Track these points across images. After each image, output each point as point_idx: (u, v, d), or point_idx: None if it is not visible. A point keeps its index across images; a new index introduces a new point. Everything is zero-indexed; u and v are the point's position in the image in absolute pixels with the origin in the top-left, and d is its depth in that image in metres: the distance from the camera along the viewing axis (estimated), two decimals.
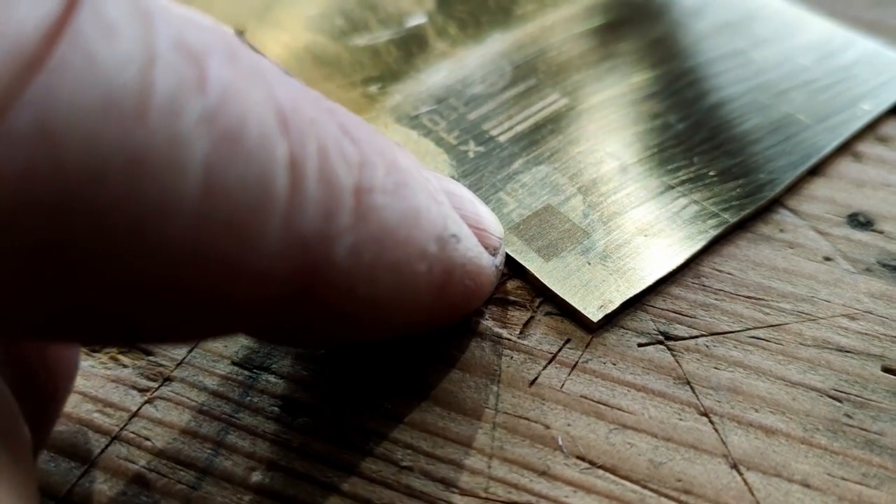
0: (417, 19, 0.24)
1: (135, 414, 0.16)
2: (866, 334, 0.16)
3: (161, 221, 0.09)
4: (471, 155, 0.20)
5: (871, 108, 0.21)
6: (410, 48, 0.23)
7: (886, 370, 0.16)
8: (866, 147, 0.21)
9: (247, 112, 0.10)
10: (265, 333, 0.13)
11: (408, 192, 0.12)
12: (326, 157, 0.11)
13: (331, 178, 0.11)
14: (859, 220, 0.19)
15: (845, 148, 0.20)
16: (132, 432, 0.15)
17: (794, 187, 0.19)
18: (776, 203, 0.19)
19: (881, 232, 0.18)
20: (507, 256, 0.18)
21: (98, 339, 0.11)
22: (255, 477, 0.15)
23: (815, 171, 0.20)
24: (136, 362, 0.16)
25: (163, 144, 0.09)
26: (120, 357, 0.17)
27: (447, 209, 0.14)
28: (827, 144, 0.20)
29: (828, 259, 0.18)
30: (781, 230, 0.19)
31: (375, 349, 0.16)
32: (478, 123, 0.21)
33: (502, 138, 0.20)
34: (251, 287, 0.10)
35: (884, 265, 0.18)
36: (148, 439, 0.15)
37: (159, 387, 0.16)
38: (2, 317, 0.09)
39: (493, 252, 0.15)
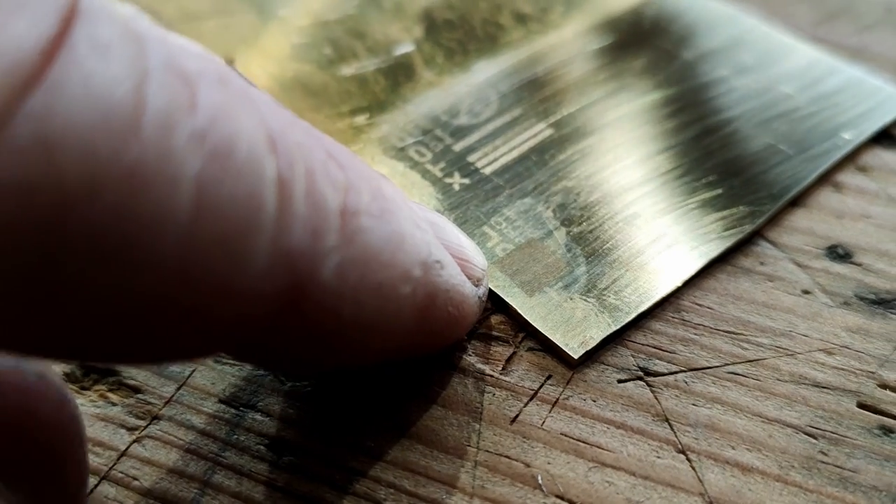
0: (405, 48, 0.24)
1: (123, 453, 0.16)
2: (842, 369, 0.17)
3: (154, 237, 0.09)
4: (456, 188, 0.20)
5: (851, 138, 0.21)
6: (398, 77, 0.23)
7: (861, 406, 0.16)
8: (846, 177, 0.21)
9: (237, 132, 0.10)
10: (248, 353, 0.13)
11: (392, 218, 0.13)
12: (314, 178, 0.11)
13: (318, 199, 0.11)
14: (838, 252, 0.19)
15: (826, 178, 0.21)
16: (121, 472, 0.16)
17: (774, 218, 0.20)
18: (756, 235, 0.19)
19: (859, 264, 0.19)
20: (491, 291, 0.18)
21: (75, 357, 0.11)
22: None
23: (796, 201, 0.20)
24: (124, 400, 0.17)
25: (156, 160, 0.09)
26: (109, 395, 0.17)
27: (431, 237, 0.14)
28: (808, 175, 0.20)
29: (806, 292, 0.18)
30: (761, 263, 0.19)
31: (359, 385, 0.17)
32: (463, 155, 0.21)
33: (487, 170, 0.21)
34: (238, 306, 0.11)
35: (861, 298, 0.18)
36: (136, 479, 0.16)
37: (147, 425, 0.16)
38: None
39: (477, 283, 0.16)
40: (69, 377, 0.17)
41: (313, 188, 0.11)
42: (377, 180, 0.13)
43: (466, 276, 0.15)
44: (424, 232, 0.14)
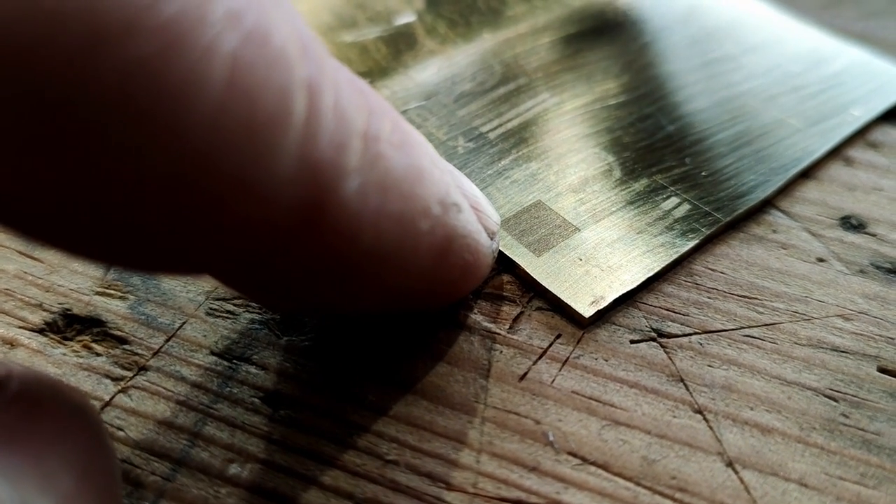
0: (406, 18, 0.24)
1: (107, 403, 0.15)
2: (861, 335, 0.16)
3: (182, 104, 0.09)
4: (460, 151, 0.19)
5: (861, 114, 0.21)
6: (399, 46, 0.23)
7: (882, 370, 0.16)
8: (857, 152, 0.20)
9: (272, 25, 0.10)
10: (255, 278, 0.12)
11: (412, 151, 0.12)
12: (340, 94, 0.11)
13: (343, 116, 0.11)
14: (852, 223, 0.19)
15: (836, 153, 0.20)
16: (104, 422, 0.15)
17: (785, 190, 0.19)
18: (768, 205, 0.19)
19: (874, 234, 0.18)
20: (498, 251, 0.17)
21: (84, 244, 0.10)
22: (233, 469, 0.14)
23: (807, 174, 0.20)
24: (109, 351, 0.16)
25: (192, 22, 0.09)
26: (93, 346, 0.16)
27: (449, 178, 0.14)
28: (818, 148, 0.20)
29: (821, 260, 0.18)
30: (774, 231, 0.18)
31: (360, 341, 0.16)
32: (467, 120, 0.20)
33: (492, 135, 0.20)
34: (257, 207, 0.10)
35: (877, 267, 0.18)
36: (121, 429, 0.15)
37: (134, 376, 0.15)
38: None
39: (491, 236, 0.15)
40: (51, 327, 0.16)
41: (339, 103, 0.11)
42: (397, 114, 0.13)
43: (482, 225, 0.15)
44: (443, 172, 0.14)
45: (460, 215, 0.14)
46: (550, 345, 0.16)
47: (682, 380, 0.15)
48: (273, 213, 0.10)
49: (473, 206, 0.15)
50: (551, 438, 0.14)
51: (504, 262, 0.17)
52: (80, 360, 0.16)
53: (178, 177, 0.09)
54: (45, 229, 0.10)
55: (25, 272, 0.17)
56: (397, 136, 0.12)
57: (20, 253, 0.17)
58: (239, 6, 0.09)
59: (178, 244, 0.10)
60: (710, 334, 0.16)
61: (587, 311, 0.16)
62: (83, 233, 0.10)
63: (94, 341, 0.16)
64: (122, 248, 0.10)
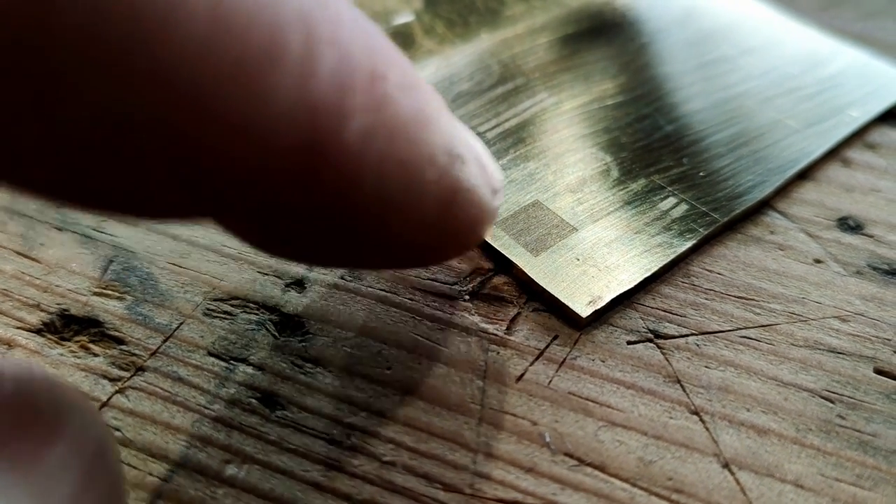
0: (404, 18, 0.24)
1: (105, 404, 0.15)
2: (858, 336, 0.16)
3: (162, 38, 0.08)
4: None
5: (859, 115, 0.21)
6: (397, 45, 0.23)
7: (879, 372, 0.16)
8: (855, 153, 0.20)
9: None
10: (258, 223, 0.12)
11: (420, 96, 0.12)
12: (341, 30, 0.10)
13: (346, 53, 0.10)
14: (849, 224, 0.19)
15: (834, 154, 0.20)
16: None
17: (783, 191, 0.19)
18: (766, 206, 0.19)
19: (871, 236, 0.18)
20: (494, 251, 0.17)
21: (61, 194, 0.10)
22: (230, 470, 0.14)
23: (805, 175, 0.20)
24: (107, 351, 0.16)
25: None
26: (91, 346, 0.16)
27: (456, 129, 0.13)
28: (816, 149, 0.20)
29: (818, 261, 0.18)
30: (771, 232, 0.18)
31: (357, 341, 0.16)
32: (465, 120, 0.20)
33: (490, 135, 0.20)
34: (253, 152, 0.10)
35: (874, 268, 0.18)
36: (118, 430, 0.15)
37: (131, 377, 0.15)
38: None
39: (494, 192, 0.15)
40: (48, 327, 0.16)
41: (341, 39, 0.10)
42: (404, 58, 0.12)
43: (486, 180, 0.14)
44: (449, 121, 0.13)
45: (465, 167, 0.13)
46: (547, 346, 0.16)
47: (678, 381, 0.15)
48: (272, 157, 0.10)
49: (477, 161, 0.14)
50: (548, 439, 0.14)
51: (501, 262, 0.17)
52: (78, 361, 0.16)
53: (164, 123, 0.09)
54: (41, 182, 0.09)
55: (23, 272, 0.17)
56: (406, 80, 0.11)
57: (18, 253, 0.17)
58: None
59: (175, 191, 0.10)
60: (706, 335, 0.16)
61: (584, 310, 0.16)
62: (74, 182, 0.09)
63: (92, 342, 0.16)
64: (117, 195, 0.10)
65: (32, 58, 0.08)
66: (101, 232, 0.18)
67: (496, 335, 0.16)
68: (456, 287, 0.17)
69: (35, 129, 0.08)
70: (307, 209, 0.11)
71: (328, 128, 0.10)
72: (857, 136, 0.21)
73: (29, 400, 0.10)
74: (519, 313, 0.17)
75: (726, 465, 0.14)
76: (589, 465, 0.14)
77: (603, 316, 0.16)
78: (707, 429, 0.15)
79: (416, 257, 0.14)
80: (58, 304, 0.17)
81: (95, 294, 0.17)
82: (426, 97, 0.12)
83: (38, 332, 0.16)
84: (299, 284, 0.17)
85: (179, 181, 0.09)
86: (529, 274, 0.17)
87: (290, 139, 0.10)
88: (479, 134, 0.20)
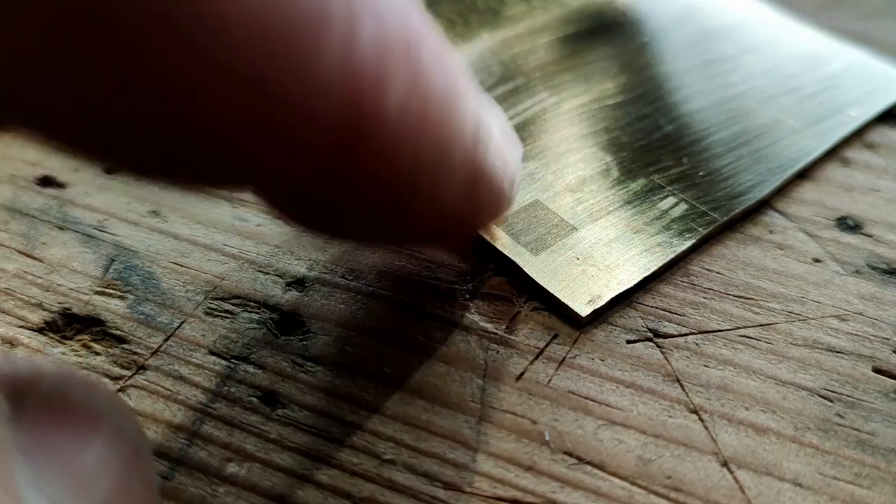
0: None
1: None
2: (856, 335, 0.16)
3: (216, 9, 0.08)
4: None
5: (858, 115, 0.21)
6: None
7: (877, 371, 0.16)
8: (854, 153, 0.21)
9: None
10: (300, 197, 0.12)
11: (451, 69, 0.12)
12: (380, 3, 0.10)
13: (384, 21, 0.10)
14: (848, 224, 0.19)
15: (833, 153, 0.20)
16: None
17: (782, 190, 0.19)
18: (765, 205, 0.19)
19: (870, 235, 0.18)
20: (495, 251, 0.17)
21: (124, 154, 0.10)
22: (231, 468, 0.14)
23: (804, 174, 0.20)
24: (108, 350, 0.16)
25: None
26: (92, 345, 0.16)
27: (482, 110, 0.13)
28: (815, 149, 0.20)
29: (817, 261, 0.18)
30: (771, 231, 0.18)
31: (357, 340, 0.16)
32: None
33: None
34: (299, 119, 0.10)
35: (873, 268, 0.18)
36: None
37: (133, 375, 0.15)
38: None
39: (513, 174, 0.15)
40: (50, 326, 0.16)
41: (378, 6, 0.10)
42: (436, 29, 0.12)
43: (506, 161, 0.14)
44: (476, 99, 0.13)
45: (489, 149, 0.13)
46: (547, 345, 0.16)
47: (678, 380, 0.15)
48: (314, 130, 0.10)
49: (498, 144, 0.14)
50: (547, 438, 0.15)
51: (501, 262, 0.17)
52: (80, 360, 0.16)
53: (218, 89, 0.09)
54: (87, 136, 0.10)
55: (25, 271, 0.17)
56: (438, 51, 0.11)
57: (20, 252, 0.18)
58: None
59: (221, 158, 0.10)
60: (706, 334, 0.16)
61: (584, 310, 0.16)
62: (127, 140, 0.10)
63: (94, 340, 0.16)
64: (168, 158, 0.10)
65: (111, 31, 0.08)
66: (103, 231, 0.18)
67: (496, 334, 0.16)
68: (456, 286, 0.17)
69: (96, 67, 0.08)
70: (343, 182, 0.11)
71: (369, 98, 0.10)
72: (857, 136, 0.21)
73: (67, 399, 0.10)
74: (519, 312, 0.17)
75: (725, 464, 0.14)
76: (588, 463, 0.14)
77: (602, 315, 0.16)
78: (706, 427, 0.15)
79: (432, 236, 0.15)
80: (60, 303, 0.17)
81: (97, 293, 0.17)
82: (456, 72, 0.12)
83: (40, 330, 0.16)
84: (300, 284, 0.17)
85: (225, 152, 0.10)
86: (529, 273, 0.17)
87: (334, 109, 0.10)
88: None
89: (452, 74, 0.12)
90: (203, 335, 0.16)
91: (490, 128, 0.14)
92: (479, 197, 0.14)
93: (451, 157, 0.12)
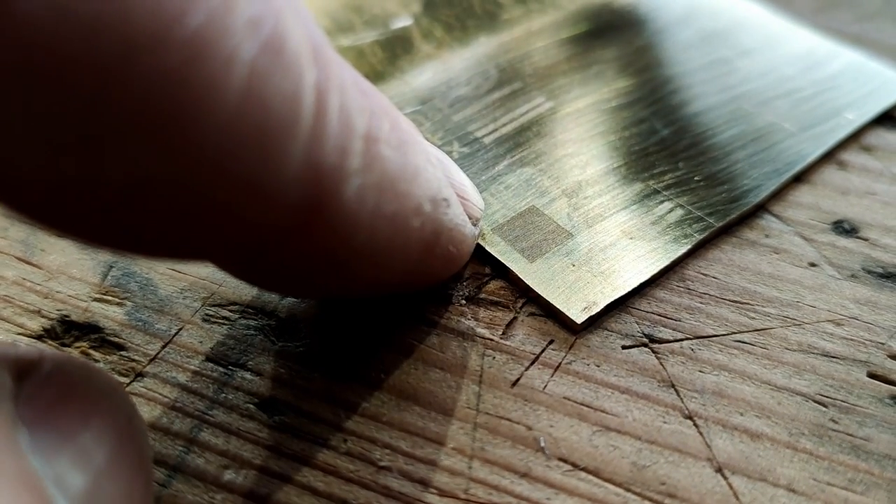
0: (403, 21, 0.24)
1: None
2: (851, 340, 0.16)
3: (203, 109, 0.09)
4: (455, 156, 0.20)
5: (855, 118, 0.21)
6: (395, 50, 0.23)
7: (872, 376, 0.16)
8: (851, 156, 0.21)
9: (287, 32, 0.10)
10: (251, 266, 0.13)
11: (408, 150, 0.13)
12: (345, 97, 0.11)
13: (347, 119, 0.11)
14: (844, 228, 0.19)
15: (830, 156, 0.20)
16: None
17: (778, 194, 0.19)
18: (761, 209, 0.19)
19: (866, 239, 0.18)
20: (491, 257, 0.17)
21: (94, 234, 0.11)
22: (228, 475, 0.14)
23: (800, 178, 0.20)
24: (107, 357, 0.16)
25: (216, 32, 0.09)
26: (91, 352, 0.16)
27: (441, 174, 0.14)
28: (812, 152, 0.20)
29: (813, 265, 0.18)
30: (766, 235, 0.18)
31: (353, 348, 0.16)
32: (462, 125, 0.20)
33: (487, 140, 0.20)
34: (261, 208, 0.10)
35: (869, 272, 0.18)
36: None
37: (130, 382, 0.16)
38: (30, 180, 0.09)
39: (475, 223, 0.16)
40: (49, 333, 0.16)
41: (345, 105, 0.11)
42: (395, 112, 0.13)
43: (466, 214, 0.16)
44: (436, 168, 0.14)
45: (448, 210, 0.14)
46: (543, 350, 0.16)
47: (673, 385, 0.15)
48: (275, 214, 0.11)
49: (460, 195, 0.15)
50: (542, 444, 0.15)
51: (497, 268, 0.17)
52: None
53: (191, 181, 0.09)
54: (59, 219, 0.10)
55: (24, 279, 0.17)
56: (395, 136, 0.12)
57: (19, 259, 0.18)
58: (259, 13, 0.09)
59: (180, 238, 0.11)
60: (701, 340, 0.16)
61: (579, 316, 0.16)
62: (95, 224, 0.10)
63: (92, 347, 0.16)
64: (128, 238, 0.10)
65: (103, 117, 0.09)
66: None
67: (492, 340, 0.16)
68: (452, 292, 0.17)
69: (81, 172, 0.09)
70: (299, 257, 0.12)
71: (329, 188, 0.11)
72: (854, 139, 0.21)
73: (67, 379, 0.11)
74: (515, 318, 0.17)
75: (719, 470, 0.14)
76: (583, 469, 0.14)
77: (598, 321, 0.17)
78: (700, 433, 0.15)
79: (393, 290, 0.16)
80: (58, 310, 0.17)
81: (95, 300, 0.17)
82: (414, 149, 0.13)
83: (38, 337, 0.16)
84: None
85: (190, 228, 0.10)
86: (525, 280, 0.17)
87: (295, 197, 0.11)
88: (475, 139, 0.20)
89: (411, 150, 0.13)
90: (201, 342, 0.16)
91: (451, 184, 0.15)
92: (440, 251, 0.15)
93: (409, 225, 0.13)
